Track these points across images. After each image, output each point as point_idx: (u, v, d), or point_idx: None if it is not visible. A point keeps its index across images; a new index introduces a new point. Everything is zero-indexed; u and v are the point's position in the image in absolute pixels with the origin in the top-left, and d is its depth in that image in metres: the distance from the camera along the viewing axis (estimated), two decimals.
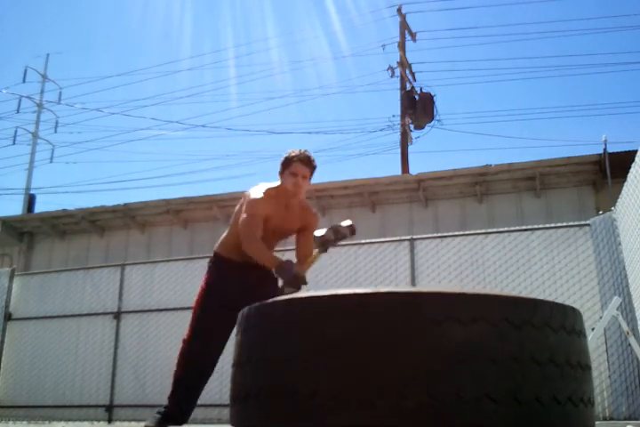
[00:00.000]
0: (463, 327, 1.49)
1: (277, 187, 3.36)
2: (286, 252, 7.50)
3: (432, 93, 14.05)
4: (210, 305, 3.35)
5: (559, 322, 1.60)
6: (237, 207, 3.44)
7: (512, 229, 6.89)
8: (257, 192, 3.31)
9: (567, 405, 1.54)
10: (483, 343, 1.50)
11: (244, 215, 3.24)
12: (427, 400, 1.45)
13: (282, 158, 3.35)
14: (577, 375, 1.61)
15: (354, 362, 1.52)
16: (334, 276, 7.06)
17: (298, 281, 3.06)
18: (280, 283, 3.19)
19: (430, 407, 1.45)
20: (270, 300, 1.88)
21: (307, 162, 3.30)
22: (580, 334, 1.69)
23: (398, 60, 14.52)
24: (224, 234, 3.57)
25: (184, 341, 3.37)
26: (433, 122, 14.12)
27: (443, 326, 1.49)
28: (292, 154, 3.32)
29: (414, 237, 7.10)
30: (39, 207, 17.16)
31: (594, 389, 1.76)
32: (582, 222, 6.47)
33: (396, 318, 1.52)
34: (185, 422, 3.28)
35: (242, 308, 3.22)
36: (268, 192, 3.32)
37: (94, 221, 12.50)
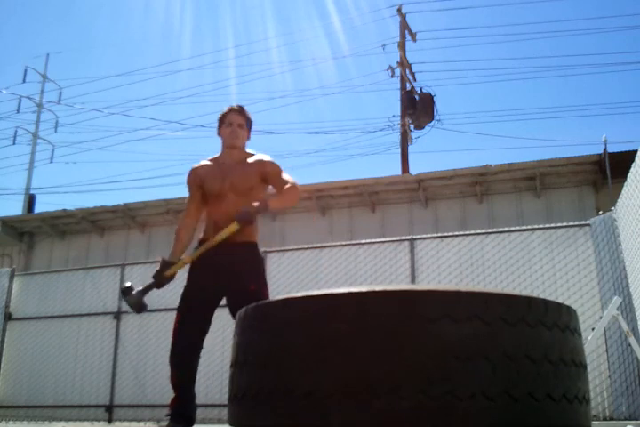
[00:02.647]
0: (458, 325, 1.49)
1: (216, 155, 3.52)
2: (286, 252, 7.51)
3: (432, 93, 14.05)
4: (187, 290, 3.45)
5: (553, 320, 1.61)
6: None
7: (512, 229, 6.90)
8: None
9: (562, 402, 1.54)
10: (477, 341, 1.50)
11: None
12: (423, 399, 1.45)
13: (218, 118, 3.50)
14: (571, 373, 1.61)
15: (350, 361, 1.52)
16: (334, 276, 7.06)
17: (159, 280, 3.46)
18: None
19: (426, 406, 1.45)
20: (267, 300, 1.88)
21: (240, 111, 3.46)
22: (575, 331, 1.69)
23: (398, 60, 14.53)
24: None
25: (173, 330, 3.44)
26: (433, 122, 14.13)
27: (438, 325, 1.49)
28: (225, 109, 3.49)
29: (414, 237, 7.10)
30: (39, 207, 17.21)
31: (589, 388, 1.76)
32: (582, 222, 6.47)
33: (391, 316, 1.52)
34: (194, 414, 3.28)
35: (215, 288, 3.33)
36: (203, 161, 3.52)
37: (94, 221, 12.51)
